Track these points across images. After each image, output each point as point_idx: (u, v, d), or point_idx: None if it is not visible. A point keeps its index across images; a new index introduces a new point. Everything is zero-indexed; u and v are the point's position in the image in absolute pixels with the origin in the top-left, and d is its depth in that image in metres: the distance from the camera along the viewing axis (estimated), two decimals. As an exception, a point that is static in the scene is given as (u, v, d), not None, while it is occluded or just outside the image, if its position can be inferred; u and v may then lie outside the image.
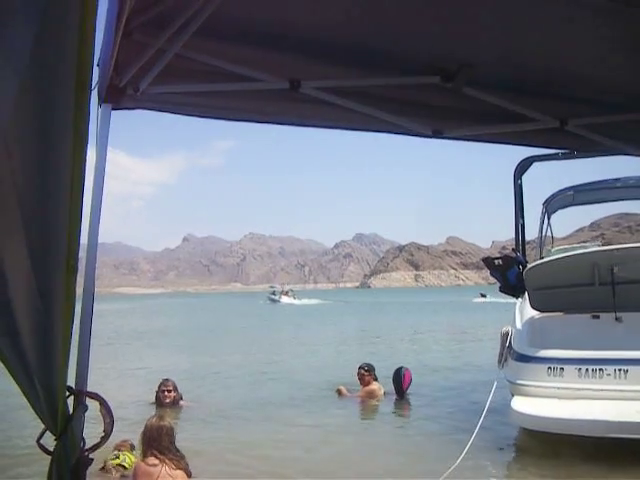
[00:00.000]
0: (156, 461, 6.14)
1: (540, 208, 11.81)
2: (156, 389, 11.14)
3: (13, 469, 7.59)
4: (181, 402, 11.13)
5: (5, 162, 1.19)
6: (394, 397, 11.46)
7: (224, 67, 2.75)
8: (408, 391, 11.67)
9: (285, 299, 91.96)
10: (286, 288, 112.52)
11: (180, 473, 6.19)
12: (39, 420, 1.82)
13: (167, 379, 11.26)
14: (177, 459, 6.25)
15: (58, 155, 1.29)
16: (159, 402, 10.92)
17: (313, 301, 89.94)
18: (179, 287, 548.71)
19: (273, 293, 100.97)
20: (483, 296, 78.18)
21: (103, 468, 7.14)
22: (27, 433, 7.99)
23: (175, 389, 11.08)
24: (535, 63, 2.96)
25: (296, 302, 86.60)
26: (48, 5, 1.07)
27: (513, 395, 8.09)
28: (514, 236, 10.48)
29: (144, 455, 6.28)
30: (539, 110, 3.36)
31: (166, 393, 10.93)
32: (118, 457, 7.31)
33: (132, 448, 7.53)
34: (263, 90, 2.94)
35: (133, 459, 7.25)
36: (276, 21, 2.63)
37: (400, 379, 11.42)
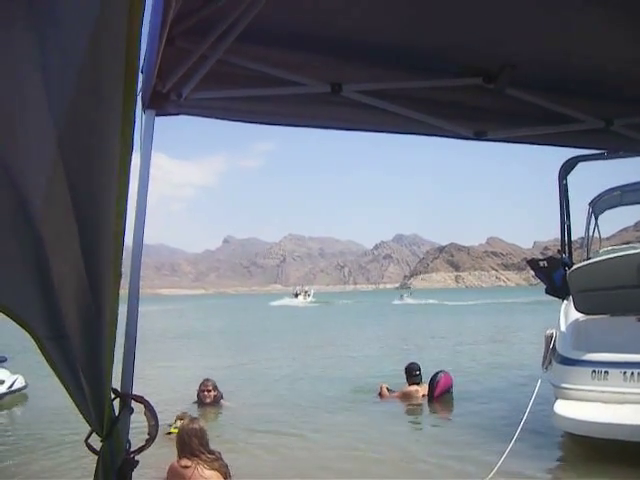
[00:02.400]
0: (189, 462, 6.15)
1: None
2: (197, 389, 11.33)
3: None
4: (222, 401, 11.31)
5: (59, 164, 1.22)
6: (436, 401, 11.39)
7: (266, 72, 2.77)
8: (453, 392, 11.72)
9: (297, 300, 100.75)
10: (306, 288, 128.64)
11: (213, 474, 6.18)
12: (84, 422, 1.84)
13: (207, 379, 11.50)
14: (210, 460, 6.27)
15: (107, 159, 1.31)
16: (200, 401, 11.09)
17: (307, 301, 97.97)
18: (220, 288, 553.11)
19: (295, 294, 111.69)
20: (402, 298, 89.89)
21: (169, 434, 8.09)
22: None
23: (215, 388, 11.31)
24: (579, 62, 2.91)
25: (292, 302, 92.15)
26: (100, 9, 1.09)
27: (557, 398, 7.98)
28: (559, 237, 10.29)
29: (178, 457, 6.33)
30: (583, 110, 3.30)
31: (206, 393, 11.16)
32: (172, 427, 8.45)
33: (179, 421, 8.57)
34: (305, 94, 2.95)
35: None
36: (317, 25, 2.63)
37: (433, 384, 11.39)
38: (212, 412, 10.87)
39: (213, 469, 6.23)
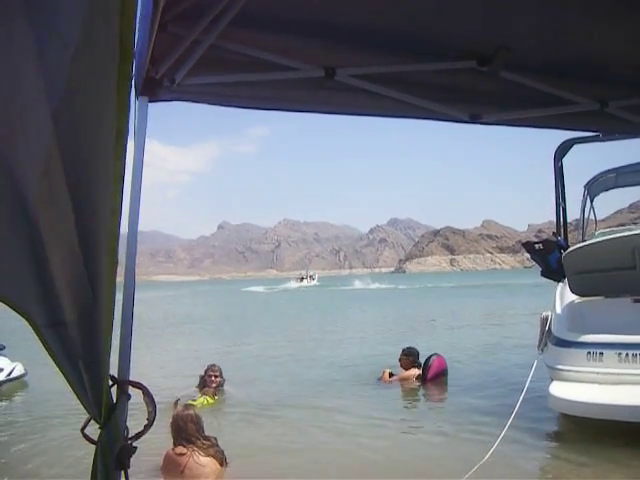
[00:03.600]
0: (184, 450, 6.18)
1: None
2: (202, 374, 11.37)
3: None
4: (224, 387, 11.32)
5: (55, 152, 1.21)
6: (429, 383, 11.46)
7: (259, 57, 2.75)
8: (447, 375, 11.79)
9: (299, 283, 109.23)
10: (311, 273, 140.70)
11: (209, 460, 6.21)
12: (82, 409, 1.85)
13: (213, 364, 11.50)
14: (206, 447, 6.29)
15: (103, 147, 1.31)
16: (204, 386, 11.09)
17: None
18: (215, 274, 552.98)
19: (301, 278, 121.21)
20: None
21: (176, 403, 8.63)
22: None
23: (221, 374, 11.31)
24: (573, 44, 2.89)
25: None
26: None
27: (552, 380, 8.02)
28: (555, 219, 10.31)
29: (174, 444, 6.35)
30: (578, 92, 3.29)
31: (213, 378, 11.16)
32: (195, 400, 9.60)
33: (214, 394, 10.23)
34: (298, 79, 2.93)
35: (211, 401, 10.00)
36: (310, 9, 2.61)
37: (426, 368, 11.48)
38: (215, 397, 10.90)
39: (209, 455, 6.25)
